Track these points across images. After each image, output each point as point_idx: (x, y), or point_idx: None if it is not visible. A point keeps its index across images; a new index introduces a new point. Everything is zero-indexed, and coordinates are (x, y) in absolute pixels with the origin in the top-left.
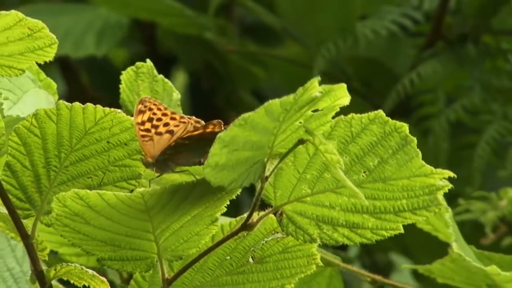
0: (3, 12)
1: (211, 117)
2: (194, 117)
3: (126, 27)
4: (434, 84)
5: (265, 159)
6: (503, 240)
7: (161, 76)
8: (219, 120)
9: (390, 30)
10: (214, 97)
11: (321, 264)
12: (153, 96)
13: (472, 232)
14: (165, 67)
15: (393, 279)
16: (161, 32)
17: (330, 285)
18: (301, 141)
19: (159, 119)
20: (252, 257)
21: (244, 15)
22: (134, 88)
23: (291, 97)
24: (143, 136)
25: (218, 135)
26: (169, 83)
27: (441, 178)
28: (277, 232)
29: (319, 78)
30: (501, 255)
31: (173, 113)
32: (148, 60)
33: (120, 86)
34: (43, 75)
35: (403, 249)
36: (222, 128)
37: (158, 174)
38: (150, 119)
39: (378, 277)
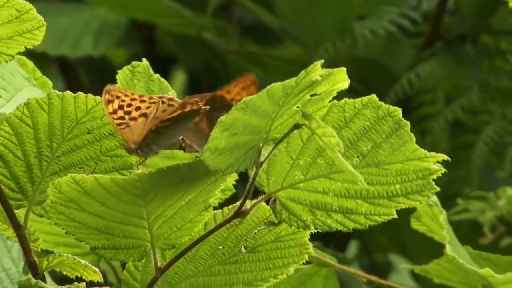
0: None
1: None
2: (165, 95)
3: (124, 27)
4: (433, 84)
5: (261, 144)
6: (502, 240)
7: (157, 75)
8: (196, 99)
9: (389, 30)
10: None
11: (313, 253)
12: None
13: (470, 231)
14: (164, 67)
15: (391, 280)
16: (160, 32)
17: (326, 286)
18: (296, 126)
19: (129, 105)
20: (244, 247)
21: (244, 15)
22: (130, 88)
23: (293, 80)
24: (119, 124)
25: (220, 118)
26: (165, 82)
27: (435, 162)
28: (269, 221)
29: (322, 61)
30: (498, 256)
31: (141, 96)
32: (144, 60)
33: (116, 85)
34: (38, 73)
35: (402, 249)
36: (201, 106)
37: (143, 159)
38: (120, 107)
39: (374, 278)
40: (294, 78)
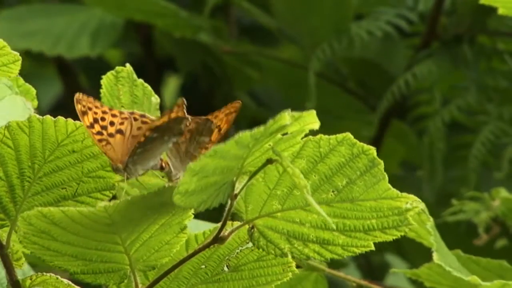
0: None
1: None
2: (136, 111)
3: (121, 28)
4: (430, 84)
5: (234, 178)
6: (497, 241)
7: (140, 80)
8: (182, 100)
9: (385, 31)
10: (211, 98)
11: (296, 271)
12: (133, 100)
13: (466, 232)
14: (161, 68)
15: (388, 281)
16: (158, 33)
17: None
18: (269, 161)
19: (103, 119)
20: (227, 266)
21: (242, 16)
22: (114, 93)
23: (261, 128)
24: (99, 140)
25: (188, 166)
26: (149, 87)
27: (407, 202)
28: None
29: (289, 111)
30: (489, 260)
31: (110, 109)
32: (127, 65)
33: (101, 90)
34: (21, 80)
35: (398, 250)
36: (185, 112)
37: (124, 178)
38: (95, 120)
39: (364, 282)
40: (262, 127)
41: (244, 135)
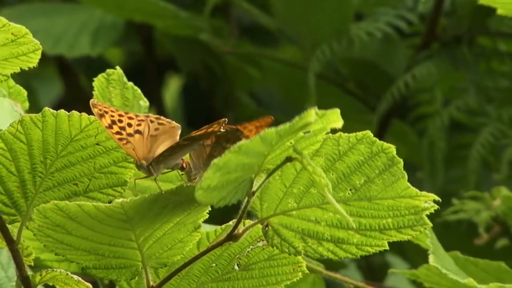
0: None
1: (209, 118)
2: (151, 114)
3: (122, 28)
4: (430, 85)
5: (253, 176)
6: (497, 241)
7: (130, 83)
8: (224, 119)
9: (385, 32)
10: (212, 98)
11: (306, 271)
12: (124, 103)
13: (467, 231)
14: (162, 68)
15: (389, 281)
16: (158, 33)
17: None
18: (289, 159)
19: (120, 121)
20: (237, 264)
21: (242, 16)
22: (106, 95)
23: (287, 125)
24: (120, 139)
25: (213, 162)
26: (138, 90)
27: (426, 201)
28: (263, 240)
29: (315, 108)
30: (487, 261)
31: (126, 112)
32: (118, 67)
33: (93, 92)
34: (12, 82)
35: (399, 250)
36: (221, 129)
37: (146, 176)
38: (113, 122)
39: (361, 284)
40: (288, 123)
41: (269, 131)
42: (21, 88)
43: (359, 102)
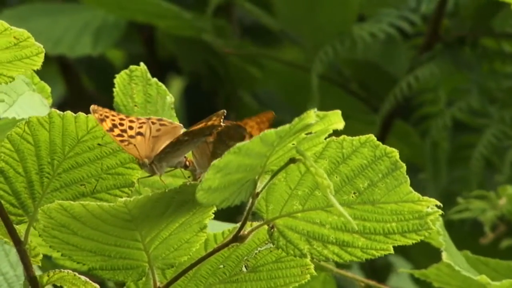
0: None
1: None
2: (152, 116)
3: (123, 28)
4: (434, 85)
5: (256, 177)
6: (502, 239)
7: (155, 79)
8: (223, 111)
9: (388, 33)
10: (214, 98)
11: (314, 273)
12: (146, 99)
13: (471, 231)
14: (164, 69)
15: (391, 281)
16: (160, 33)
17: None
18: (292, 160)
19: (121, 124)
20: (245, 266)
21: (244, 16)
22: (127, 92)
23: (287, 126)
24: (121, 141)
25: (213, 163)
26: (163, 86)
27: (428, 206)
28: (270, 242)
29: (315, 109)
30: (497, 261)
31: (127, 116)
32: (142, 64)
33: (114, 89)
34: (37, 78)
35: (402, 250)
36: (221, 122)
37: (149, 175)
38: (114, 125)
39: (372, 282)
40: (288, 125)
41: (269, 132)
42: (45, 84)
43: (362, 103)
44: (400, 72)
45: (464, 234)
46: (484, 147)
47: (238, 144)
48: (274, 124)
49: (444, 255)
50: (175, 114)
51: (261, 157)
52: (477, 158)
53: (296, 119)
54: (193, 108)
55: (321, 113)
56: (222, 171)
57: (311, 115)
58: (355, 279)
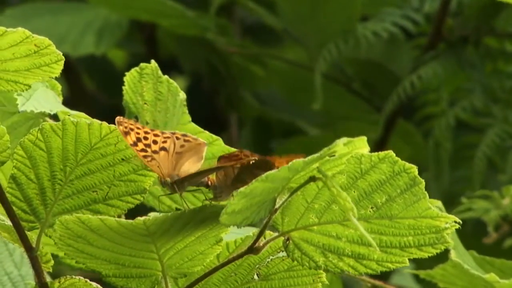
0: (10, 29)
1: (212, 118)
2: (177, 131)
3: (126, 27)
4: (437, 85)
5: (276, 195)
6: (506, 240)
7: (166, 77)
8: (255, 157)
9: (391, 32)
10: (215, 98)
11: (326, 282)
12: (156, 97)
13: (473, 231)
14: (165, 67)
15: (394, 281)
16: (161, 32)
17: None
18: (312, 178)
19: (145, 138)
20: (257, 274)
21: (246, 15)
22: (137, 90)
23: (315, 156)
24: (144, 157)
25: (240, 190)
26: (174, 83)
27: (446, 222)
28: (283, 251)
29: (344, 139)
30: (503, 261)
31: (152, 130)
32: (152, 61)
33: (123, 87)
34: None
35: None
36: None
37: (170, 192)
38: (138, 139)
39: (378, 282)
40: (316, 155)
41: (298, 162)
42: (56, 82)
43: (365, 102)
44: (403, 72)
45: (466, 234)
46: (487, 147)
47: (267, 173)
48: (275, 124)
49: (452, 253)
50: (187, 111)
51: (284, 181)
52: (480, 157)
53: (325, 149)
54: (194, 108)
55: (347, 139)
56: (247, 197)
57: (340, 145)
58: (362, 280)
